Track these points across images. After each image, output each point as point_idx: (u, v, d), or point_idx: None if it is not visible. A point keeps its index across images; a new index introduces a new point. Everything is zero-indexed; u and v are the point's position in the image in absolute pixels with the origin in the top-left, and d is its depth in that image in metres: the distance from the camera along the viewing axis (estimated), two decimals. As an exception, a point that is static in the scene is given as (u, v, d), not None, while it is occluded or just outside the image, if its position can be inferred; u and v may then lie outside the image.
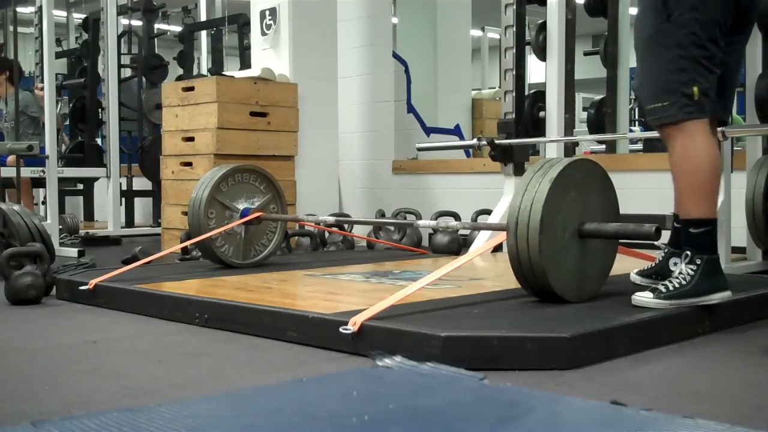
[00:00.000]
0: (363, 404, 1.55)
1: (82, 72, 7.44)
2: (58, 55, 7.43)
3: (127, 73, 6.92)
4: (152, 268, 3.46)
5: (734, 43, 2.53)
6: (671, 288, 2.37)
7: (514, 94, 4.10)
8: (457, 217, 4.83)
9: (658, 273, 2.64)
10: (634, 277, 2.67)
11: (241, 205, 3.54)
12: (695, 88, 2.35)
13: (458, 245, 4.42)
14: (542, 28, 4.21)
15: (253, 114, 4.82)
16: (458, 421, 1.43)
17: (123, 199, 6.57)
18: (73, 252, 4.90)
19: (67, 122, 7.53)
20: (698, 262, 2.37)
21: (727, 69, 2.54)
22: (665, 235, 2.59)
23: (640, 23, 2.51)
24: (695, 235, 2.38)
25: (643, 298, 2.38)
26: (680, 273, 2.39)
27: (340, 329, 2.09)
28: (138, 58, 6.82)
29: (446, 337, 1.94)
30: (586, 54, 6.31)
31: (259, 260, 3.57)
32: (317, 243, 4.60)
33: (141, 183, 6.89)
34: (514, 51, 4.10)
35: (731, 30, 2.48)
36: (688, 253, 2.39)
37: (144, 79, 6.75)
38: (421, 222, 3.25)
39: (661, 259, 2.66)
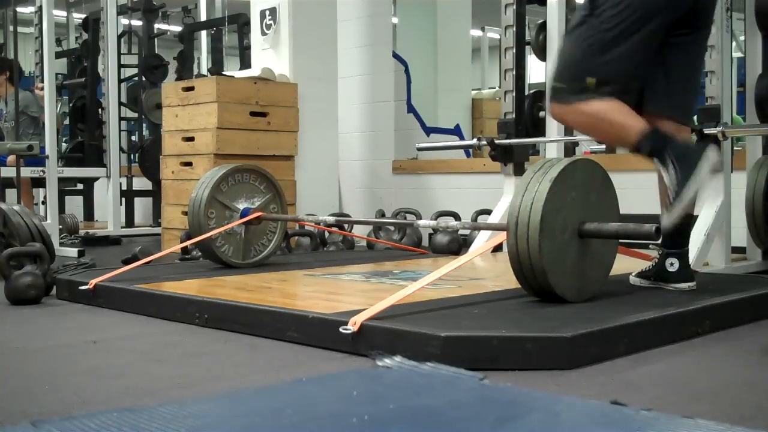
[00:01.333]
0: (363, 404, 1.55)
1: (82, 72, 7.44)
2: (58, 55, 7.42)
3: (127, 73, 6.93)
4: (152, 268, 3.46)
5: (679, 44, 2.54)
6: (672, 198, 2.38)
7: (514, 94, 4.10)
8: (457, 217, 4.82)
9: (657, 274, 2.65)
10: (634, 280, 2.68)
11: (241, 205, 3.54)
12: (592, 80, 2.43)
13: (458, 245, 4.42)
14: (542, 28, 4.21)
15: (253, 114, 4.83)
16: (458, 421, 1.43)
17: (123, 199, 6.57)
18: (73, 252, 4.90)
19: (67, 122, 7.53)
20: (667, 157, 2.38)
21: (675, 68, 2.56)
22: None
23: (573, 17, 2.62)
24: (644, 145, 2.41)
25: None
26: (667, 178, 2.39)
27: (340, 329, 2.09)
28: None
29: (446, 337, 1.94)
30: (586, 54, 6.30)
31: (259, 260, 3.57)
32: (317, 243, 4.60)
33: (141, 183, 6.89)
34: (514, 51, 4.10)
35: (676, 30, 2.50)
36: (656, 160, 2.41)
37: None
38: (421, 222, 3.25)
39: (657, 260, 2.66)
